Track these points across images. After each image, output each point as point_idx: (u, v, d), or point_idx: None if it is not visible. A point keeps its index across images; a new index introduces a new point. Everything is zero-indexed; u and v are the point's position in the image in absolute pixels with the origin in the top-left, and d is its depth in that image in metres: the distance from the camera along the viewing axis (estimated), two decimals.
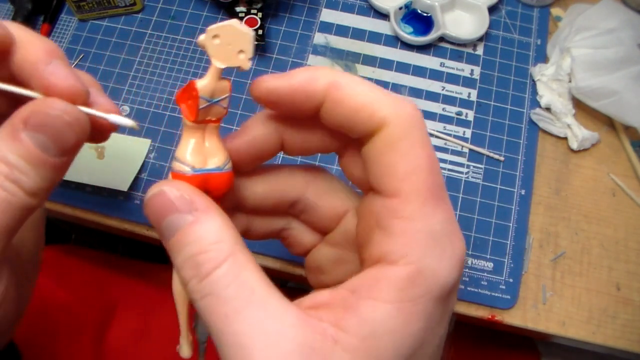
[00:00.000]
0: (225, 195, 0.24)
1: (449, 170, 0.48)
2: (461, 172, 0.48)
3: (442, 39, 0.54)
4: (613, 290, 0.45)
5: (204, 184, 0.23)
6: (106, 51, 0.53)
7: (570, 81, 0.49)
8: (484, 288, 0.44)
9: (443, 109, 0.51)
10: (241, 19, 0.51)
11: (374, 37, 0.54)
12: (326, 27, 0.54)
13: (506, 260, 0.45)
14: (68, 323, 0.51)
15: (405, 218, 0.21)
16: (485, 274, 0.45)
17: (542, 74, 0.51)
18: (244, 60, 0.23)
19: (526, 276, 0.45)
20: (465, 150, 0.49)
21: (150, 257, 0.64)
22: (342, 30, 0.54)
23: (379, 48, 0.53)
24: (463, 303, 0.44)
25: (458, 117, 0.51)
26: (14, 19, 0.54)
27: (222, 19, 0.54)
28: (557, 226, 0.47)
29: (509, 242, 0.46)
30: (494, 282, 0.45)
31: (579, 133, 0.49)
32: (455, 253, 0.21)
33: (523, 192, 0.48)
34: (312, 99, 0.22)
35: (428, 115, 0.51)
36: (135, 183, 0.47)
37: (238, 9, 0.52)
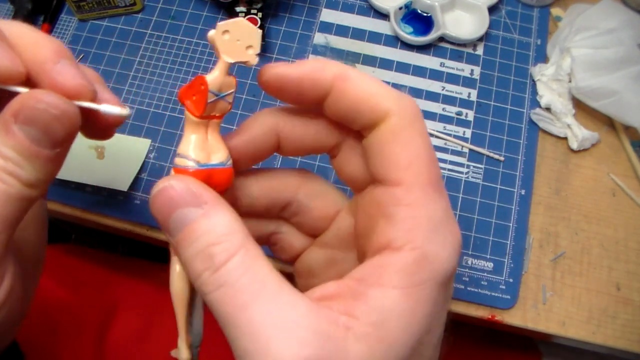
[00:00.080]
0: (226, 191, 0.25)
1: (449, 170, 0.48)
2: (461, 172, 0.48)
3: (442, 39, 0.54)
4: (613, 290, 0.45)
5: (208, 179, 0.23)
6: (106, 51, 0.53)
7: (570, 81, 0.49)
8: (484, 288, 0.44)
9: (443, 109, 0.51)
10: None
11: (374, 37, 0.54)
12: (326, 27, 0.54)
13: (506, 260, 0.45)
14: (69, 323, 0.51)
15: (408, 205, 0.22)
16: (485, 274, 0.45)
17: (542, 74, 0.51)
18: (252, 56, 0.24)
19: (526, 276, 0.45)
20: (465, 150, 0.49)
21: (151, 257, 0.64)
22: (342, 30, 0.54)
23: (379, 48, 0.53)
24: (463, 303, 0.44)
25: (458, 117, 0.51)
26: (14, 19, 0.54)
27: (222, 19, 0.54)
28: (557, 226, 0.47)
29: (509, 242, 0.46)
30: (494, 282, 0.45)
31: (579, 133, 0.49)
32: (454, 240, 0.22)
33: (523, 192, 0.48)
34: (319, 87, 0.23)
35: (428, 115, 0.51)
36: (135, 183, 0.47)
37: (238, 9, 0.52)
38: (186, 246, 0.21)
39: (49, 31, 0.54)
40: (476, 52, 0.53)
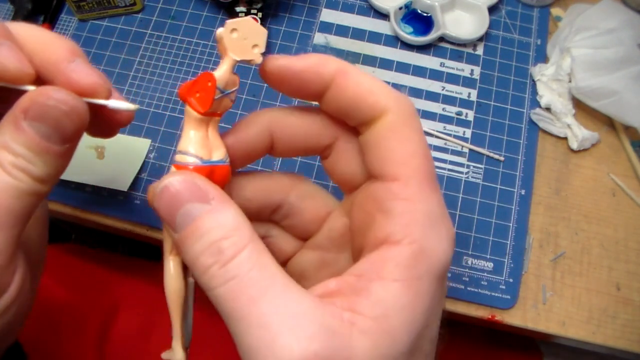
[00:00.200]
0: (224, 189, 0.25)
1: (449, 170, 0.48)
2: (461, 172, 0.48)
3: (442, 39, 0.54)
4: (613, 290, 0.45)
5: (210, 175, 0.23)
6: (106, 51, 0.53)
7: (570, 81, 0.49)
8: (484, 288, 0.44)
9: (443, 109, 0.51)
10: None
11: (374, 37, 0.54)
12: (326, 27, 0.54)
13: (506, 260, 0.45)
14: (70, 323, 0.51)
15: (405, 200, 0.22)
16: (485, 274, 0.45)
17: (542, 74, 0.51)
18: (257, 55, 0.24)
19: (526, 276, 0.45)
20: (465, 150, 0.49)
21: (151, 256, 0.64)
22: (342, 30, 0.54)
23: (379, 48, 0.53)
24: (463, 303, 0.44)
25: (458, 117, 0.51)
26: (14, 19, 0.54)
27: (222, 19, 0.54)
28: (557, 226, 0.47)
29: (509, 242, 0.46)
30: (494, 282, 0.45)
31: (579, 133, 0.49)
32: (448, 234, 0.23)
33: (523, 192, 0.48)
34: (320, 80, 0.24)
35: (428, 115, 0.51)
36: (135, 183, 0.47)
37: (238, 9, 0.52)
38: (193, 241, 0.21)
39: None
40: (476, 52, 0.53)
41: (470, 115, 0.51)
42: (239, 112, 0.51)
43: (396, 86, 0.52)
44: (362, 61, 0.53)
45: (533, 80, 0.52)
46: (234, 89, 0.24)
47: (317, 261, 0.28)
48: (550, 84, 0.50)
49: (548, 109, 0.50)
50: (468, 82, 0.52)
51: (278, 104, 0.51)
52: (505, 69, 0.52)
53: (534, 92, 0.51)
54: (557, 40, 0.52)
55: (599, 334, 0.43)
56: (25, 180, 0.21)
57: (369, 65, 0.52)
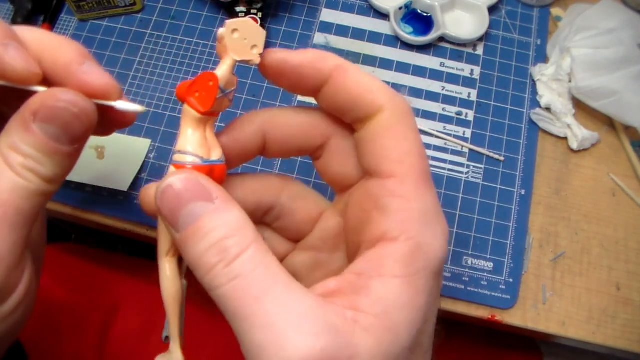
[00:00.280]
0: None
1: (449, 170, 0.48)
2: (461, 172, 0.48)
3: (442, 39, 0.54)
4: (613, 290, 0.45)
5: (209, 175, 0.23)
6: (106, 51, 0.53)
7: (570, 81, 0.49)
8: (484, 288, 0.44)
9: (443, 109, 0.51)
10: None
11: (374, 37, 0.54)
12: (326, 27, 0.54)
13: (506, 260, 0.45)
14: (70, 323, 0.51)
15: (402, 197, 0.22)
16: (485, 274, 0.45)
17: (542, 74, 0.51)
18: (256, 55, 0.24)
19: (526, 276, 0.45)
20: (465, 150, 0.49)
21: (151, 256, 0.64)
22: (342, 30, 0.54)
23: (379, 48, 0.53)
24: (463, 303, 0.44)
25: (458, 117, 0.51)
26: (14, 19, 0.54)
27: (222, 19, 0.54)
28: (557, 226, 0.47)
29: (509, 242, 0.46)
30: (494, 282, 0.45)
31: (579, 133, 0.49)
32: (443, 231, 0.23)
33: (523, 192, 0.48)
34: (318, 75, 0.24)
35: (428, 115, 0.51)
36: (135, 183, 0.47)
37: (238, 9, 0.52)
38: (197, 240, 0.21)
39: (49, 31, 0.54)
40: (476, 52, 0.53)
41: (470, 115, 0.51)
42: (239, 112, 0.51)
43: (396, 86, 0.52)
44: (362, 61, 0.53)
45: (533, 80, 0.52)
46: (232, 88, 0.24)
47: (310, 262, 0.29)
48: (550, 84, 0.50)
49: (548, 109, 0.50)
50: (468, 82, 0.52)
51: (278, 104, 0.51)
52: (505, 69, 0.52)
53: (534, 92, 0.51)
54: (557, 40, 0.52)
55: (599, 334, 0.43)
56: (34, 180, 0.21)
57: (369, 65, 0.52)
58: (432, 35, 0.52)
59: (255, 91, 0.51)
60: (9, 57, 0.22)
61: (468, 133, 0.50)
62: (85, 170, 0.46)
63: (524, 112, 0.51)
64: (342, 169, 0.27)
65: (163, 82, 0.52)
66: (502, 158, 0.49)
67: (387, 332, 0.20)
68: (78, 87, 0.23)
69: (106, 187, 0.47)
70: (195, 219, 0.21)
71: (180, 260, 0.25)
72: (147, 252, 0.65)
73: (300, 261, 0.29)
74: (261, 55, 0.24)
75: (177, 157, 0.23)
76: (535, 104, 0.51)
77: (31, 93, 0.22)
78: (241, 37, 0.24)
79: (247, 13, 0.52)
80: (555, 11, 0.55)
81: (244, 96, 0.51)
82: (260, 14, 0.52)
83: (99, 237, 0.66)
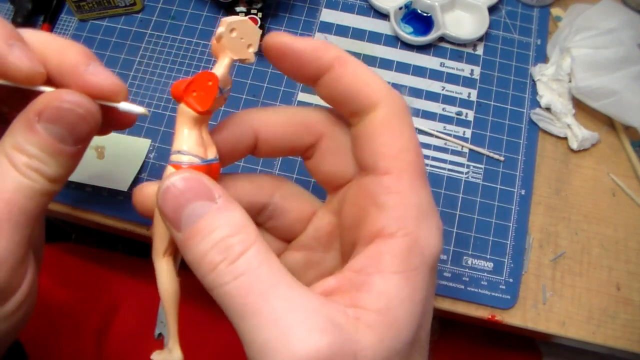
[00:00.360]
0: None
1: (449, 170, 0.48)
2: (461, 172, 0.48)
3: (442, 39, 0.54)
4: (613, 290, 0.45)
5: (207, 174, 0.23)
6: (106, 51, 0.53)
7: (570, 81, 0.49)
8: (484, 288, 0.44)
9: (443, 109, 0.51)
10: None
11: (374, 37, 0.54)
12: (326, 27, 0.54)
13: (506, 260, 0.45)
14: (70, 322, 0.51)
15: (398, 193, 0.23)
16: (485, 274, 0.45)
17: (542, 74, 0.51)
18: (252, 54, 0.25)
19: (526, 276, 0.45)
20: (465, 150, 0.49)
21: (150, 256, 0.64)
22: (342, 30, 0.54)
23: (379, 48, 0.53)
24: (463, 303, 0.44)
25: (458, 117, 0.51)
26: (14, 19, 0.54)
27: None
28: (557, 226, 0.47)
29: (509, 242, 0.46)
30: (494, 282, 0.45)
31: (579, 133, 0.49)
32: (438, 226, 0.23)
33: (523, 192, 0.48)
34: (318, 64, 0.24)
35: (428, 115, 0.51)
36: (135, 183, 0.47)
37: (238, 9, 0.52)
38: (200, 239, 0.21)
39: (49, 31, 0.54)
40: (476, 52, 0.53)
41: (470, 115, 0.51)
42: (239, 111, 0.50)
43: (396, 86, 0.52)
44: (362, 61, 0.53)
45: (533, 80, 0.52)
46: (228, 87, 0.25)
47: (303, 261, 0.29)
48: (550, 84, 0.50)
49: (548, 109, 0.50)
50: (468, 82, 0.52)
51: (278, 104, 0.51)
52: (505, 69, 0.52)
53: (534, 92, 0.51)
54: (557, 40, 0.52)
55: (599, 334, 0.43)
56: (38, 180, 0.22)
57: (369, 65, 0.52)
58: (432, 35, 0.52)
59: (255, 91, 0.51)
60: (13, 57, 0.22)
61: (468, 133, 0.50)
62: (85, 170, 0.46)
63: (524, 112, 0.51)
64: (334, 168, 0.27)
65: (163, 82, 0.52)
66: (502, 158, 0.49)
67: (389, 328, 0.20)
68: (85, 88, 0.23)
69: (106, 187, 0.47)
70: (198, 218, 0.21)
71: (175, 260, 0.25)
72: (147, 252, 0.65)
73: (293, 261, 0.29)
74: (256, 54, 0.24)
75: (175, 157, 0.23)
76: (535, 104, 0.51)
77: (35, 93, 0.22)
78: (238, 37, 0.24)
79: (247, 13, 0.52)
80: (555, 11, 0.55)
81: (243, 96, 0.51)
82: (260, 14, 0.52)
83: (99, 237, 0.66)
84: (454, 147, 0.49)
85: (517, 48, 0.53)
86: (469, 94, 0.51)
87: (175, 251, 0.24)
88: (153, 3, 0.55)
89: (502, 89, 0.52)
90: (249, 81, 0.52)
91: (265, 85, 0.52)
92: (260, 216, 0.28)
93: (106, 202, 0.47)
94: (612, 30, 0.49)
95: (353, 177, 0.26)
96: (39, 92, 0.23)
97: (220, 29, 0.23)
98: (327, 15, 0.55)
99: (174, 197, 0.22)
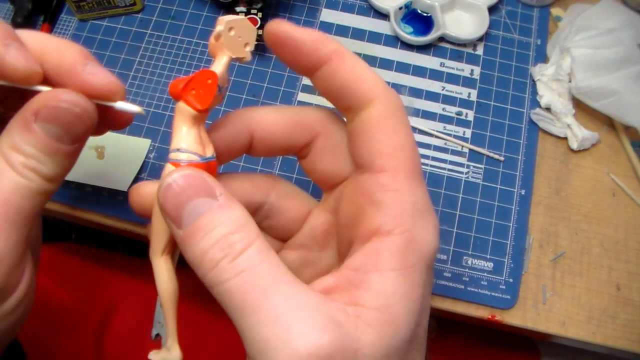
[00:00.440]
0: None
1: (449, 170, 0.48)
2: (461, 172, 0.48)
3: (442, 39, 0.54)
4: (613, 290, 0.45)
5: (206, 171, 0.23)
6: (106, 51, 0.53)
7: (570, 81, 0.49)
8: (484, 288, 0.44)
9: (443, 109, 0.51)
10: None
11: (374, 37, 0.54)
12: (326, 27, 0.54)
13: (506, 260, 0.45)
14: (69, 322, 0.51)
15: (395, 191, 0.23)
16: (485, 274, 0.45)
17: (542, 74, 0.51)
18: (248, 53, 0.25)
19: (526, 276, 0.45)
20: (465, 150, 0.49)
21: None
22: (342, 30, 0.54)
23: (379, 48, 0.53)
24: (463, 303, 0.44)
25: (458, 117, 0.51)
26: (14, 19, 0.54)
27: None
28: (557, 226, 0.47)
29: (509, 242, 0.46)
30: (494, 282, 0.45)
31: (579, 133, 0.49)
32: (434, 224, 0.23)
33: (523, 192, 0.48)
34: (317, 55, 0.24)
35: (428, 115, 0.51)
36: (135, 183, 0.47)
37: (238, 9, 0.52)
38: (202, 236, 0.21)
39: (49, 31, 0.54)
40: (476, 52, 0.53)
41: (470, 115, 0.51)
42: None
43: (396, 86, 0.52)
44: None
45: (533, 80, 0.52)
46: (226, 86, 0.25)
47: (299, 260, 0.29)
48: (550, 84, 0.50)
49: (548, 109, 0.50)
50: (468, 82, 0.52)
51: (278, 103, 0.51)
52: (505, 69, 0.52)
53: (534, 92, 0.51)
54: (557, 40, 0.52)
55: (599, 334, 0.43)
56: (35, 179, 0.22)
57: (369, 65, 0.52)
58: (432, 35, 0.52)
59: (255, 91, 0.51)
60: (10, 57, 0.22)
61: (468, 133, 0.50)
62: (85, 170, 0.46)
63: (524, 112, 0.51)
64: (330, 166, 0.27)
65: (163, 82, 0.52)
66: (502, 158, 0.49)
67: (389, 325, 0.20)
68: (83, 88, 0.23)
69: (106, 187, 0.47)
70: (199, 215, 0.21)
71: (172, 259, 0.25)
72: (146, 251, 0.65)
73: (289, 260, 0.29)
74: (252, 53, 0.25)
75: (174, 155, 0.23)
76: (535, 104, 0.51)
77: (32, 93, 0.22)
78: (236, 35, 0.24)
79: (247, 13, 0.52)
80: (555, 11, 0.55)
81: (243, 96, 0.51)
82: (260, 14, 0.52)
83: (99, 237, 0.66)
84: (454, 147, 0.49)
85: (517, 48, 0.53)
86: (469, 94, 0.51)
87: (173, 250, 0.24)
88: (153, 3, 0.55)
89: (502, 89, 0.52)
90: (249, 81, 0.52)
91: (265, 85, 0.52)
92: (256, 215, 0.28)
93: (106, 202, 0.47)
94: (612, 30, 0.49)
95: (349, 176, 0.26)
96: (36, 92, 0.23)
97: (219, 28, 0.24)
98: (327, 15, 0.55)
99: (175, 194, 0.22)
